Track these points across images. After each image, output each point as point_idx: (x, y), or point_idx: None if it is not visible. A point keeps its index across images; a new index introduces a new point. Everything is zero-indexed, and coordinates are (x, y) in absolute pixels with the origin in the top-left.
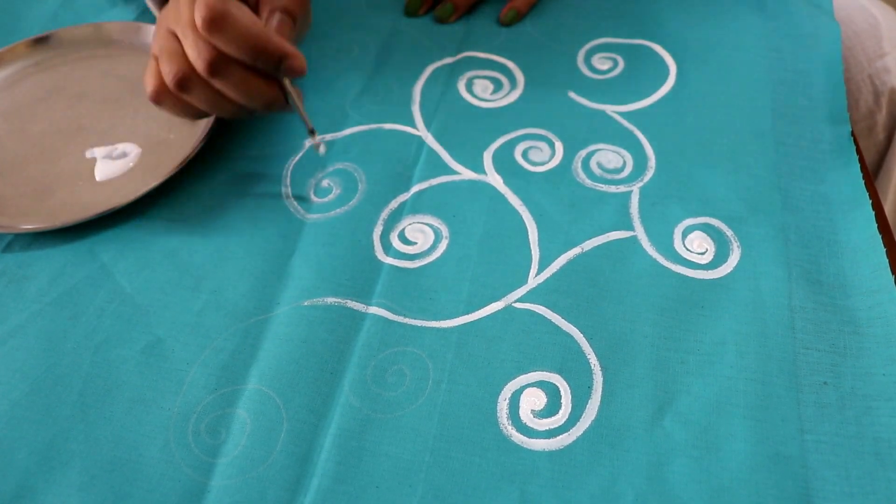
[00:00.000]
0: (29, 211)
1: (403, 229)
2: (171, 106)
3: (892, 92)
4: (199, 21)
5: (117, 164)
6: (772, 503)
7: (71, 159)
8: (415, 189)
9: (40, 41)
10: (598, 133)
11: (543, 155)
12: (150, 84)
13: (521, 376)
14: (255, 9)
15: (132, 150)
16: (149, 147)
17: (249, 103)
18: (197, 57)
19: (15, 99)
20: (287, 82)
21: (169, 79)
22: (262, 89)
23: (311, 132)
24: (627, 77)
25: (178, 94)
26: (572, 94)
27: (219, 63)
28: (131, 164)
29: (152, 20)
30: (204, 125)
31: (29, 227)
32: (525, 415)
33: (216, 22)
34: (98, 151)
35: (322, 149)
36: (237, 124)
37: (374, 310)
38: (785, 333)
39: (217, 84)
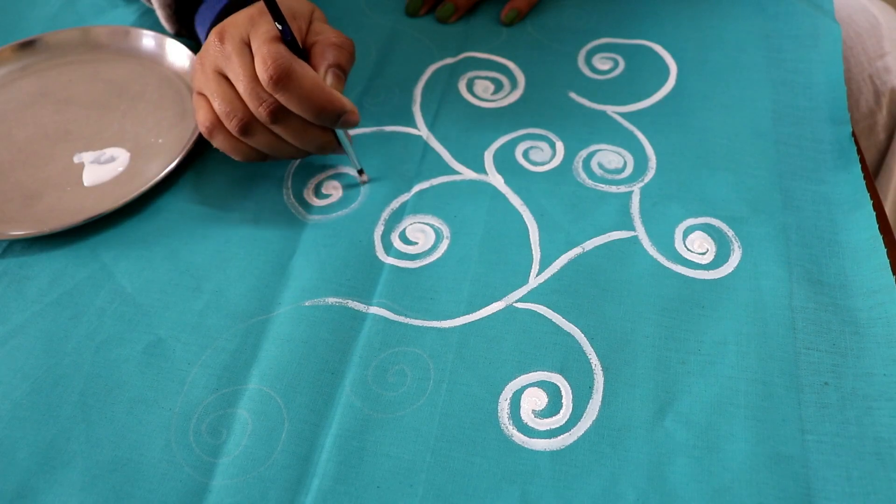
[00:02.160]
0: (17, 217)
1: (404, 229)
2: (222, 143)
3: (892, 92)
4: (264, 76)
5: (106, 169)
6: (773, 503)
7: (59, 164)
8: (416, 189)
9: (26, 45)
10: (598, 133)
11: (544, 155)
12: (205, 121)
13: (522, 376)
14: (310, 61)
15: (121, 154)
16: (137, 151)
17: (306, 148)
18: (258, 106)
19: (0, 104)
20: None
21: (234, 124)
22: (319, 136)
23: (360, 171)
24: (628, 77)
25: (239, 137)
26: (573, 95)
27: (280, 114)
28: (120, 169)
29: (152, 23)
30: (192, 130)
31: (18, 233)
32: (526, 415)
33: (282, 80)
34: (86, 156)
35: (366, 178)
36: None
37: (374, 310)
38: (786, 333)
39: (277, 130)
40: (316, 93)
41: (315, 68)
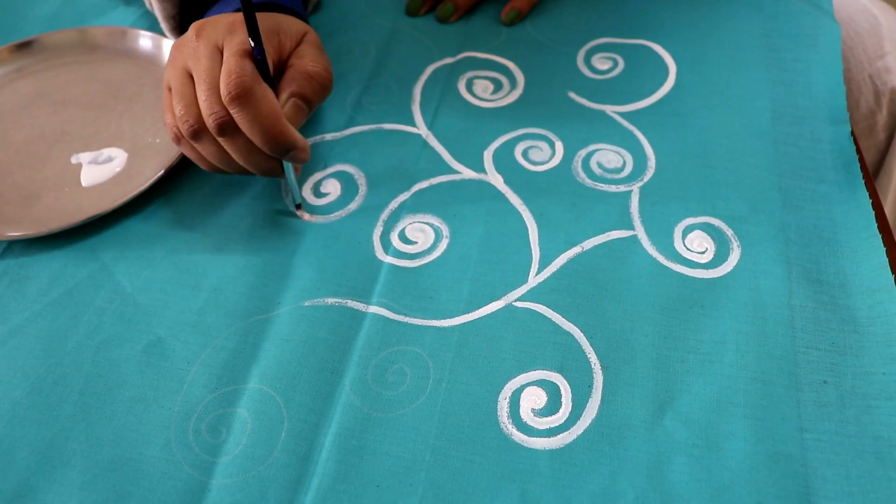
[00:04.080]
0: (16, 218)
1: (404, 229)
2: (185, 150)
3: (892, 92)
4: (223, 90)
5: (103, 169)
6: (772, 502)
7: (56, 165)
8: (415, 188)
9: (23, 46)
10: (598, 133)
11: (544, 154)
12: (169, 124)
13: (522, 375)
14: (277, 85)
15: (118, 154)
16: (135, 151)
17: (248, 168)
18: (209, 115)
19: None
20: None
21: (185, 128)
22: (264, 161)
23: (298, 206)
24: (627, 77)
25: (190, 141)
26: (572, 94)
27: (228, 129)
28: (118, 169)
29: (151, 23)
30: None
31: (17, 234)
32: (525, 413)
33: (239, 98)
34: (84, 157)
35: (307, 217)
36: None
37: (374, 309)
38: (785, 332)
39: (223, 143)
40: (269, 121)
41: (279, 92)
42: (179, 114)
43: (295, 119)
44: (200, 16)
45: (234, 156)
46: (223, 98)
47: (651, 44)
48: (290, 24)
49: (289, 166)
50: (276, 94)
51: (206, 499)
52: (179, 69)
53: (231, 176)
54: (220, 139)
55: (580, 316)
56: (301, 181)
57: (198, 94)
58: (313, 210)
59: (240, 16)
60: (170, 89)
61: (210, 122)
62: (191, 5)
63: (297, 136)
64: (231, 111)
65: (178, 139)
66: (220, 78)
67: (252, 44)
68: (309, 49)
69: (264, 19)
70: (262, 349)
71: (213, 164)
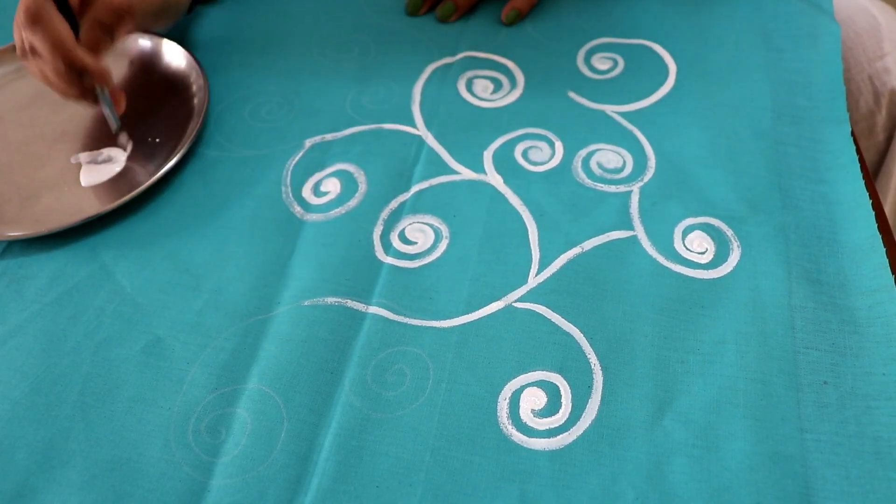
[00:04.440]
0: (16, 218)
1: (403, 229)
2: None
3: (892, 93)
4: (18, 15)
5: (103, 169)
6: (772, 502)
7: (56, 165)
8: (415, 189)
9: None
10: (598, 133)
11: (543, 155)
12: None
13: (522, 376)
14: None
15: (117, 154)
16: (134, 151)
17: (62, 92)
18: (17, 40)
19: None
20: (97, 87)
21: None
22: (67, 84)
23: (118, 131)
24: (627, 77)
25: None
26: (572, 94)
27: (30, 53)
28: (117, 169)
29: None
30: (189, 129)
31: (16, 234)
32: (525, 414)
33: (28, 22)
34: (83, 157)
35: (127, 143)
36: (236, 125)
37: (374, 309)
38: (785, 333)
39: (36, 64)
40: (57, 43)
41: (80, 23)
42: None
43: (94, 45)
44: None
45: (42, 77)
46: (21, 23)
47: (651, 44)
48: None
49: (105, 93)
50: (78, 27)
51: (206, 499)
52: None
53: (231, 176)
54: (26, 63)
55: (580, 316)
56: (301, 180)
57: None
58: (313, 209)
59: None
60: None
61: (17, 48)
62: None
63: (91, 59)
64: (27, 36)
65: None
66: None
67: None
68: None
69: None
70: (261, 349)
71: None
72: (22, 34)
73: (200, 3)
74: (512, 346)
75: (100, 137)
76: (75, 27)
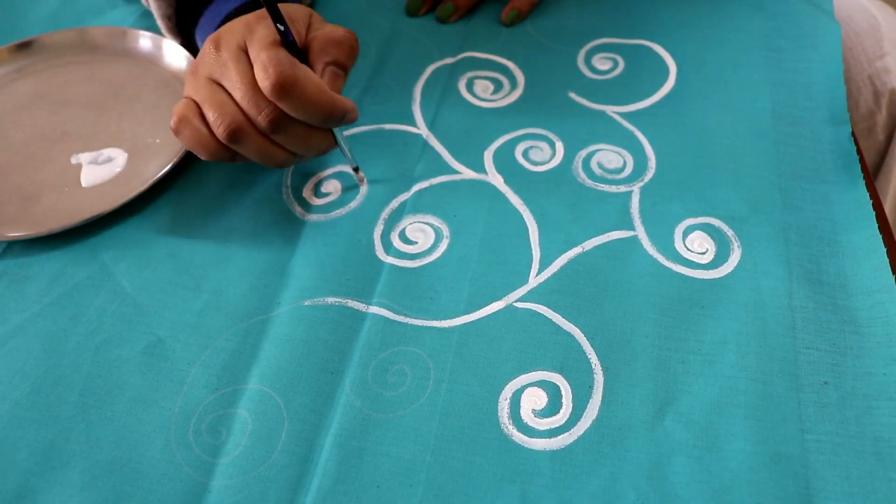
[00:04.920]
0: (15, 218)
1: (404, 229)
2: (188, 139)
3: (892, 93)
4: (265, 84)
5: (103, 170)
6: (772, 503)
7: (56, 166)
8: (415, 188)
9: (22, 47)
10: (598, 133)
11: (544, 155)
12: (177, 111)
13: (522, 376)
14: (308, 59)
15: (118, 154)
16: (135, 152)
17: (307, 153)
18: (258, 114)
19: None
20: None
21: (220, 130)
22: (321, 139)
23: (356, 169)
24: (627, 77)
25: (227, 144)
26: (572, 95)
27: (282, 122)
28: (118, 170)
29: (151, 23)
30: None
31: (16, 234)
32: (526, 414)
33: (285, 87)
34: (83, 157)
35: (363, 176)
36: None
37: (374, 309)
38: (786, 333)
39: (277, 139)
40: (320, 98)
41: (312, 66)
42: (213, 119)
43: (335, 86)
44: (197, 15)
45: (290, 146)
46: (268, 93)
47: (651, 44)
48: (295, 10)
49: (339, 135)
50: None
51: (206, 500)
52: (203, 80)
53: (231, 177)
54: (273, 136)
55: (581, 316)
56: (301, 181)
57: (237, 98)
58: (314, 209)
59: (253, 14)
60: (194, 102)
61: (261, 121)
62: (186, 5)
63: (346, 100)
64: (279, 104)
65: (179, 128)
66: (256, 76)
67: (280, 28)
68: (321, 23)
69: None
70: (262, 349)
71: (253, 160)
72: (258, 106)
73: None
74: (512, 346)
75: (100, 138)
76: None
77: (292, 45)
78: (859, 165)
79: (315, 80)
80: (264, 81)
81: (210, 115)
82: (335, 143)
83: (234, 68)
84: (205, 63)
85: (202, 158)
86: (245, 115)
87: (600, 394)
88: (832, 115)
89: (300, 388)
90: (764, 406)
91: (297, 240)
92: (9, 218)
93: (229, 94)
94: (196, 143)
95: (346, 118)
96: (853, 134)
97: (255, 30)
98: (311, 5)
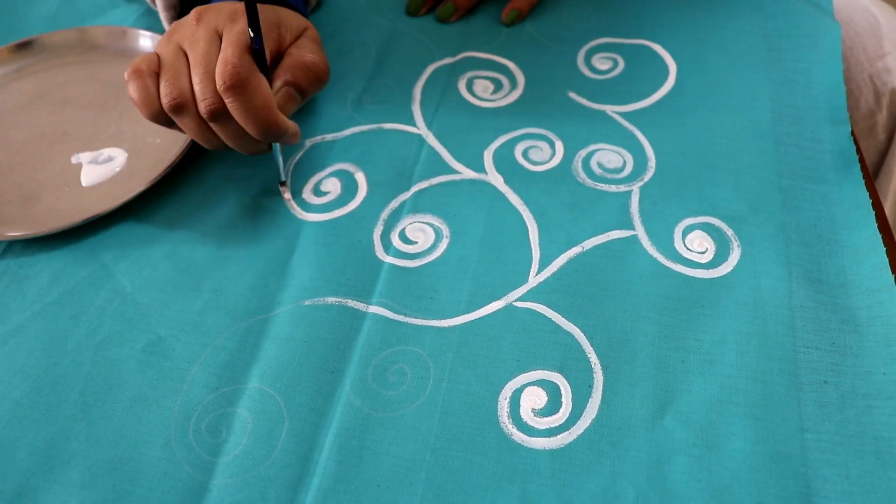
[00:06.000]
0: (16, 218)
1: (404, 228)
2: (135, 91)
3: (892, 92)
4: (219, 78)
5: (103, 169)
6: (772, 502)
7: (56, 165)
8: (415, 188)
9: (23, 46)
10: (598, 133)
11: (544, 154)
12: (136, 62)
13: (522, 375)
14: (272, 73)
15: (118, 154)
16: (135, 151)
17: (237, 149)
18: (202, 100)
19: None
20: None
21: (166, 99)
22: (253, 143)
23: (283, 183)
24: (627, 77)
25: (168, 113)
26: (572, 94)
27: (221, 116)
28: (118, 169)
29: (151, 23)
30: None
31: (17, 234)
32: (526, 413)
33: (235, 90)
34: (84, 157)
35: (287, 195)
36: None
37: (374, 309)
38: (785, 332)
39: (213, 127)
40: (262, 113)
41: (273, 80)
42: (165, 85)
43: (286, 107)
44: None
45: (223, 138)
46: (218, 86)
47: (651, 44)
48: (291, 19)
49: (276, 146)
50: (271, 81)
51: (207, 499)
52: (174, 44)
53: (231, 176)
54: (211, 124)
55: (580, 316)
56: (301, 181)
57: (192, 77)
58: (313, 209)
59: (242, 4)
60: (157, 54)
61: (203, 107)
62: None
63: (288, 123)
64: (225, 99)
65: (132, 77)
66: (216, 64)
67: (252, 34)
68: (307, 42)
69: (266, 11)
70: (262, 349)
71: (187, 134)
72: (205, 93)
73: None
74: (512, 346)
75: (100, 137)
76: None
77: (258, 55)
78: (859, 165)
79: (265, 94)
80: (219, 76)
81: (163, 81)
82: (269, 149)
83: (203, 48)
84: (182, 30)
85: (142, 115)
86: (193, 94)
87: (600, 393)
88: (832, 114)
89: (300, 388)
90: (763, 405)
91: (297, 239)
92: (9, 218)
93: (189, 68)
94: (140, 100)
95: (284, 139)
96: (853, 134)
97: (237, 21)
98: (318, 6)
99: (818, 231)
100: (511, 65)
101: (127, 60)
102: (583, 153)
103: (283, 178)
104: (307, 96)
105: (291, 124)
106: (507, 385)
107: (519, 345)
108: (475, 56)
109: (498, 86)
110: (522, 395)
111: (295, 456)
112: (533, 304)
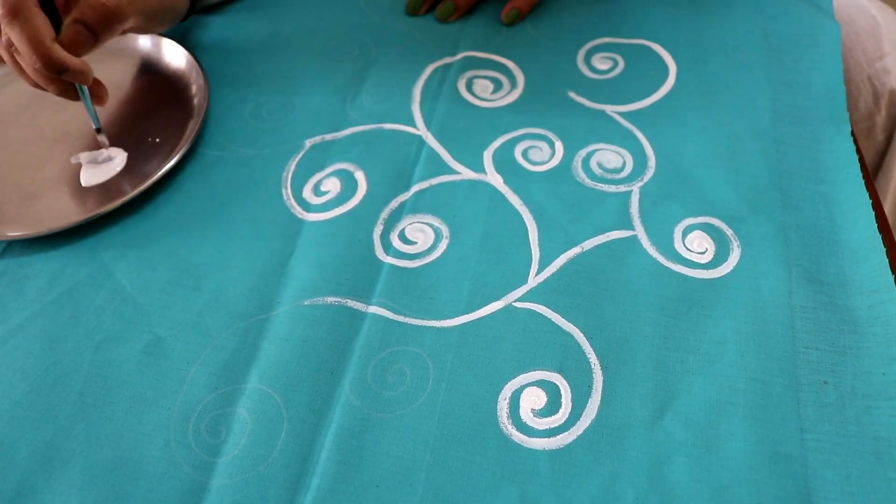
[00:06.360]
0: (16, 218)
1: (404, 229)
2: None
3: (891, 93)
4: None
5: (103, 169)
6: (772, 502)
7: (56, 165)
8: (415, 188)
9: None
10: (598, 133)
11: (543, 154)
12: None
13: (522, 375)
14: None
15: (118, 154)
16: (135, 151)
17: (42, 85)
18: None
19: None
20: (77, 84)
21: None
22: (45, 79)
23: (98, 130)
24: (627, 77)
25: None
26: (572, 94)
27: (10, 48)
28: (118, 169)
29: None
30: (189, 129)
31: (16, 234)
32: (525, 414)
33: (8, 17)
34: (83, 157)
35: (106, 143)
36: (236, 125)
37: (374, 309)
38: (785, 333)
39: (9, 60)
40: (34, 41)
41: (63, 20)
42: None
43: (75, 43)
44: None
45: (20, 72)
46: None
47: (651, 44)
48: None
49: (84, 91)
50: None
51: (206, 499)
52: None
53: (231, 176)
54: (2, 54)
55: (580, 316)
56: (301, 181)
57: None
58: (313, 209)
59: None
60: None
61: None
62: None
63: (70, 58)
64: (6, 31)
65: None
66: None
67: None
68: None
69: None
70: (261, 349)
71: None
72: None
73: (198, 12)
74: (512, 346)
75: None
76: (58, 24)
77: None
78: (859, 165)
79: (37, 23)
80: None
81: None
82: (75, 94)
83: None
84: None
85: None
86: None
87: (599, 393)
88: (832, 114)
89: (300, 388)
90: (763, 405)
91: (297, 239)
92: (9, 217)
93: None
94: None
95: (68, 75)
96: (853, 134)
97: None
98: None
99: (818, 231)
100: (511, 64)
101: (126, 60)
102: (582, 153)
103: (96, 126)
104: (102, 37)
105: (76, 60)
106: (507, 385)
107: (518, 345)
108: (475, 56)
109: (498, 85)
110: (522, 395)
111: (294, 456)
112: (532, 304)
